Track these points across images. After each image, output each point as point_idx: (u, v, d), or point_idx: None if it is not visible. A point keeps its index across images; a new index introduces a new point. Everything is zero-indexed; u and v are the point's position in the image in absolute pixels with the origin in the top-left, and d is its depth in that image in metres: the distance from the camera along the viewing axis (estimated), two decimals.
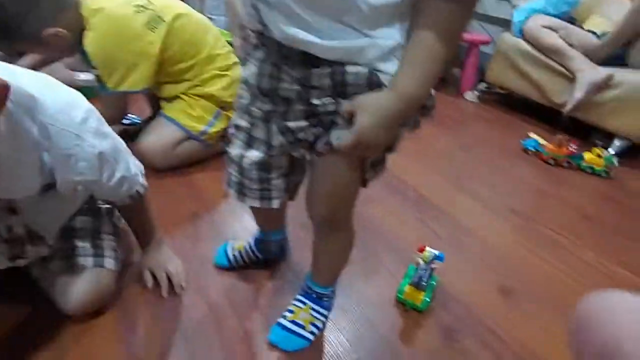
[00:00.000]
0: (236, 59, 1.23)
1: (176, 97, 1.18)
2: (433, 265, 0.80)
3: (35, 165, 0.55)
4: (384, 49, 0.48)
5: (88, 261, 0.72)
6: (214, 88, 1.17)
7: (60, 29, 0.88)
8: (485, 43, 2.18)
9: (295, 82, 0.52)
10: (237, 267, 0.88)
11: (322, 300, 0.75)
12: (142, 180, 0.75)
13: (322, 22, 0.46)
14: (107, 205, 0.82)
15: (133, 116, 1.45)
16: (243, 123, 0.59)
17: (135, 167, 0.73)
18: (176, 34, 1.06)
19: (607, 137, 1.75)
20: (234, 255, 0.88)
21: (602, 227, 1.23)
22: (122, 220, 0.84)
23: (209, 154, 1.25)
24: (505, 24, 2.18)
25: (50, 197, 0.61)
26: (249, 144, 0.60)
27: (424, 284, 0.80)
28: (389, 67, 0.49)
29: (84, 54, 0.99)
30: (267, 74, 0.54)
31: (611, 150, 1.71)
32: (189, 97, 1.18)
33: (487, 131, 1.88)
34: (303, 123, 0.54)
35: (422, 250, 0.80)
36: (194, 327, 0.75)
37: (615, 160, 1.61)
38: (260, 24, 0.51)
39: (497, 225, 1.16)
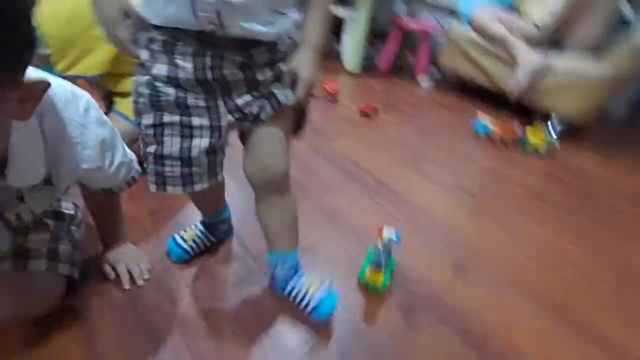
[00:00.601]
0: None
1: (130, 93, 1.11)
2: (391, 246, 0.82)
3: (41, 156, 0.56)
4: (294, 22, 0.63)
5: (42, 264, 0.68)
6: None
7: None
8: (436, 31, 2.25)
9: (237, 66, 0.60)
10: (195, 256, 0.88)
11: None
12: (137, 165, 0.75)
13: (269, 14, 0.58)
14: (71, 212, 0.80)
15: None
16: (174, 118, 0.60)
17: (130, 153, 0.73)
18: None
19: (548, 118, 1.88)
20: (190, 245, 0.87)
21: (547, 203, 1.32)
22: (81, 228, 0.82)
23: None
24: (454, 13, 2.26)
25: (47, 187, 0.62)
26: (189, 135, 0.61)
27: (383, 266, 0.82)
28: (297, 33, 0.65)
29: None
30: (209, 66, 0.58)
31: (552, 131, 1.83)
32: None
33: (440, 115, 1.95)
34: (248, 98, 0.63)
35: (380, 233, 0.82)
36: (160, 327, 0.73)
37: (556, 141, 1.74)
38: (215, 24, 0.54)
39: (451, 206, 1.22)
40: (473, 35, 2.02)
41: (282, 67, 0.63)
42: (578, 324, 0.86)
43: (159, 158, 0.62)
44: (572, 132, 1.85)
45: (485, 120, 1.76)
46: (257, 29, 0.56)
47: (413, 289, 0.88)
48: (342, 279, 0.88)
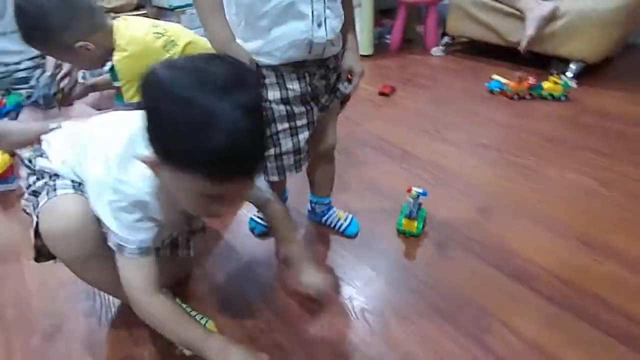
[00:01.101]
0: None
1: None
2: (420, 200, 1.01)
3: None
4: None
5: (183, 252, 0.89)
6: None
7: (90, 44, 1.08)
8: (441, 0, 2.34)
9: (321, 77, 0.84)
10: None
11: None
12: None
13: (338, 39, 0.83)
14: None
15: None
16: (284, 126, 0.83)
17: None
18: (189, 54, 1.22)
19: (565, 64, 1.94)
20: (265, 222, 1.08)
21: (563, 145, 1.44)
22: None
23: None
24: None
25: None
26: (295, 133, 0.85)
27: (415, 215, 1.01)
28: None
29: (112, 70, 1.17)
30: (308, 83, 0.82)
31: (569, 74, 1.90)
32: None
33: (455, 81, 2.07)
34: (327, 96, 0.89)
35: (409, 191, 1.01)
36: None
37: (573, 83, 1.81)
38: (318, 55, 0.80)
39: (471, 161, 1.37)
40: None
41: (339, 68, 0.89)
42: (600, 248, 0.99)
43: (279, 156, 0.86)
44: (591, 73, 1.90)
45: (498, 77, 1.86)
46: (334, 50, 0.82)
47: (443, 230, 1.06)
48: (384, 229, 1.08)
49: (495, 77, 1.87)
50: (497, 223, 1.09)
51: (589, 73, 1.90)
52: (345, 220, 1.08)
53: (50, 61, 1.32)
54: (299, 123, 0.84)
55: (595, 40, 1.83)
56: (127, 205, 0.64)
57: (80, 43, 1.06)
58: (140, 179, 0.63)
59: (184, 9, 2.72)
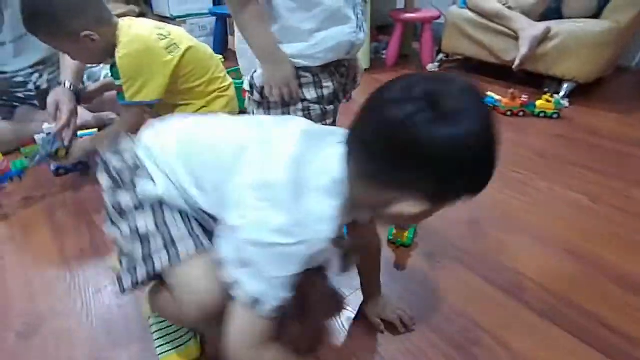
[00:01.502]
0: (231, 80, 1.41)
1: None
2: None
3: None
4: None
5: None
6: (216, 107, 1.33)
7: (96, 34, 1.08)
8: (437, 18, 2.39)
9: (342, 74, 0.91)
10: None
11: None
12: None
13: None
14: None
15: None
16: (318, 113, 0.88)
17: None
18: (189, 58, 1.24)
19: (558, 83, 1.98)
20: None
21: (554, 160, 1.45)
22: None
23: None
24: None
25: None
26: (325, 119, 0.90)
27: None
28: None
29: (113, 68, 1.18)
30: (337, 81, 0.89)
31: (561, 93, 1.93)
32: None
33: None
34: (341, 94, 0.94)
35: None
36: None
37: (565, 102, 1.84)
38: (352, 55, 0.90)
39: None
40: (469, 14, 2.15)
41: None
42: (589, 262, 0.99)
43: None
44: (583, 92, 1.94)
45: (492, 93, 1.88)
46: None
47: (433, 241, 1.05)
48: None
49: (489, 93, 1.89)
50: (488, 235, 1.08)
51: (580, 92, 1.93)
52: None
53: (48, 115, 1.30)
54: (328, 121, 0.88)
55: (586, 60, 1.86)
56: (296, 252, 0.50)
57: (86, 32, 1.07)
58: (323, 217, 0.50)
59: (185, 19, 2.76)
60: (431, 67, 2.42)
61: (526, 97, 1.80)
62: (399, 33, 2.43)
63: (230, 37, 3.02)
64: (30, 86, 1.63)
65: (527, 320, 0.84)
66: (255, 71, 0.89)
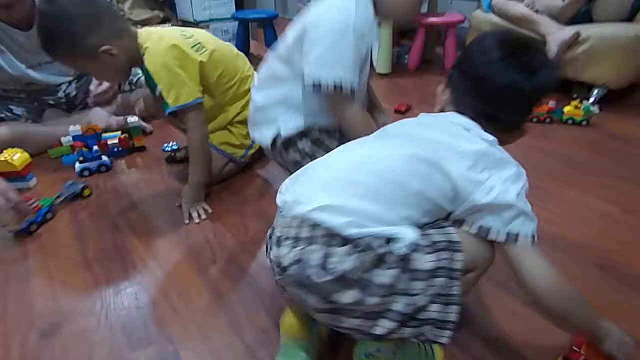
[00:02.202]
0: None
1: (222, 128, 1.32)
2: None
3: None
4: None
5: None
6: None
7: (114, 49, 1.04)
8: (461, 22, 2.35)
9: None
10: None
11: None
12: None
13: None
14: None
15: (173, 143, 1.59)
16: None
17: None
18: (217, 59, 1.21)
19: (587, 89, 1.90)
20: None
21: (583, 169, 1.39)
22: None
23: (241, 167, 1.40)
24: (477, 1, 2.34)
25: None
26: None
27: None
28: None
29: (147, 80, 1.13)
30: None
31: (591, 100, 1.86)
32: (234, 126, 1.32)
33: None
34: None
35: None
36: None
37: (595, 109, 1.77)
38: None
39: None
40: (495, 19, 2.10)
41: None
42: (620, 274, 0.94)
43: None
44: (614, 99, 1.86)
45: None
46: None
47: None
48: None
49: None
50: None
51: (611, 99, 1.86)
52: None
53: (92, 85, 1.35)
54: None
55: (618, 66, 1.79)
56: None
57: (104, 47, 1.03)
58: None
59: (208, 23, 2.81)
60: None
61: (554, 103, 1.74)
62: (422, 37, 2.40)
63: (252, 42, 3.06)
64: (61, 94, 1.68)
65: (554, 335, 0.80)
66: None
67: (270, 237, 0.66)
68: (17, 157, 1.31)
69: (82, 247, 1.08)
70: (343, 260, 0.54)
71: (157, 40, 1.12)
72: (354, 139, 0.77)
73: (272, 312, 0.86)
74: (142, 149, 1.60)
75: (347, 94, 0.89)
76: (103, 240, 1.11)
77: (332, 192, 0.59)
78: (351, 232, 0.55)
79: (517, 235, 0.62)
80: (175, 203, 1.24)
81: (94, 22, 1.02)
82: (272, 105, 0.99)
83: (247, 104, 1.19)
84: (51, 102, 1.69)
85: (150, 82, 1.12)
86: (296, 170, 0.71)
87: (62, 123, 1.59)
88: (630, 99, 1.93)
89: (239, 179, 1.39)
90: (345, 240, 0.55)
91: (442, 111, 0.76)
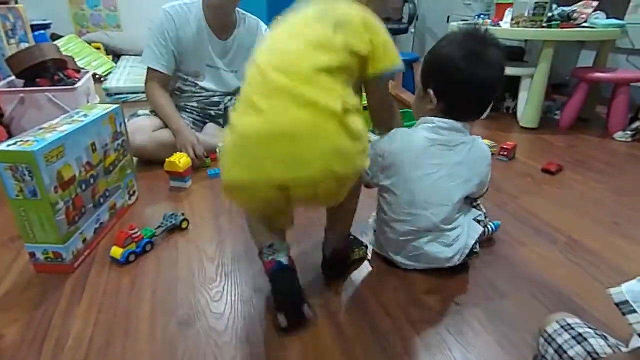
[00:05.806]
0: None
1: None
2: None
3: None
4: None
5: None
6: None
7: None
8: (636, 81, 2.03)
9: None
10: None
11: None
12: None
13: None
14: None
15: None
16: None
17: None
18: None
19: None
20: None
21: None
22: None
23: None
24: None
25: None
26: None
27: None
28: None
29: None
30: None
31: None
32: None
33: None
34: None
35: None
36: None
37: None
38: None
39: None
40: None
41: None
42: None
43: None
44: None
45: None
46: None
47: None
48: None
49: None
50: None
51: None
52: None
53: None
54: None
55: None
56: None
57: None
58: None
59: None
60: (620, 135, 2.06)
61: None
62: (583, 94, 2.14)
63: None
64: (222, 106, 1.93)
65: None
66: None
67: None
68: (182, 160, 1.52)
69: (221, 248, 1.18)
70: None
71: None
72: None
73: None
74: None
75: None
76: (238, 243, 1.19)
77: None
78: None
79: None
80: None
81: None
82: None
83: None
84: (212, 114, 1.95)
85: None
86: None
87: (218, 136, 1.81)
88: None
89: None
90: None
91: None
